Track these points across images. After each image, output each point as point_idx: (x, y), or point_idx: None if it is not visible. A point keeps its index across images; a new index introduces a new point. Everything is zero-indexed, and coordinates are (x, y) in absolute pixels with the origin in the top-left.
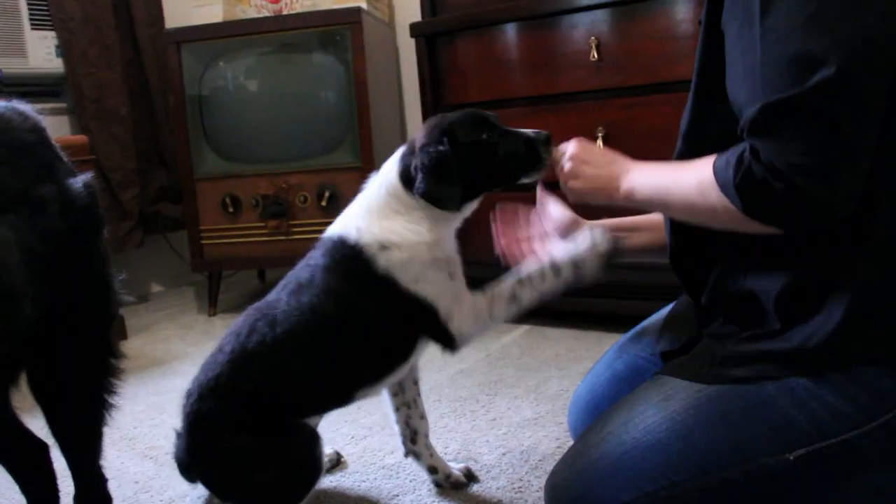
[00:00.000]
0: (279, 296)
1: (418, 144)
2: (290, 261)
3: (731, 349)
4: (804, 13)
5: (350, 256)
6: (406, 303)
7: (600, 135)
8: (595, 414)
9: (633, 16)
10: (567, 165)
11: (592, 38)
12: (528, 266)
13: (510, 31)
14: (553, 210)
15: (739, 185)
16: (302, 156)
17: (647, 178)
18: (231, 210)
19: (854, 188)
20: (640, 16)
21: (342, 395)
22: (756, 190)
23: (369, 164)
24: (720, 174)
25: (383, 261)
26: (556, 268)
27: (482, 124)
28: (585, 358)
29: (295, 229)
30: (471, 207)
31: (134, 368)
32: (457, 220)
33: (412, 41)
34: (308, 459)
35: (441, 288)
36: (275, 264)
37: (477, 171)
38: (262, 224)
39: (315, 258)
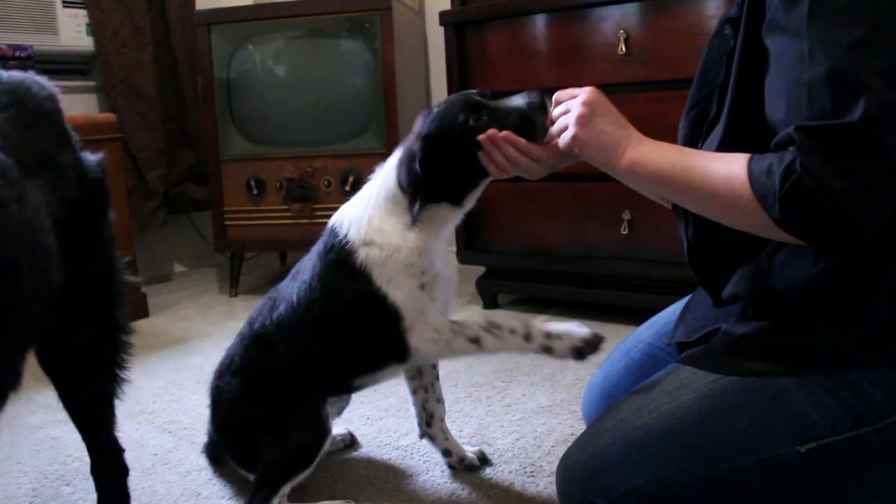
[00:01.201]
0: (286, 281)
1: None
2: (312, 244)
3: (750, 343)
4: (853, 34)
5: (337, 247)
6: (376, 302)
7: None
8: (609, 401)
9: (661, 10)
10: (580, 110)
11: (621, 31)
12: (506, 318)
13: (539, 21)
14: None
15: (784, 197)
16: (327, 140)
17: (662, 154)
18: (255, 192)
19: (887, 214)
20: (668, 10)
21: (339, 381)
22: (801, 205)
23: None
24: (758, 180)
25: (363, 256)
26: (528, 334)
27: (467, 109)
28: (604, 350)
29: (318, 213)
30: (471, 201)
31: (155, 345)
32: (452, 220)
33: (441, 29)
34: (312, 423)
35: (409, 296)
36: (297, 247)
37: (466, 159)
38: (286, 207)
39: (316, 245)
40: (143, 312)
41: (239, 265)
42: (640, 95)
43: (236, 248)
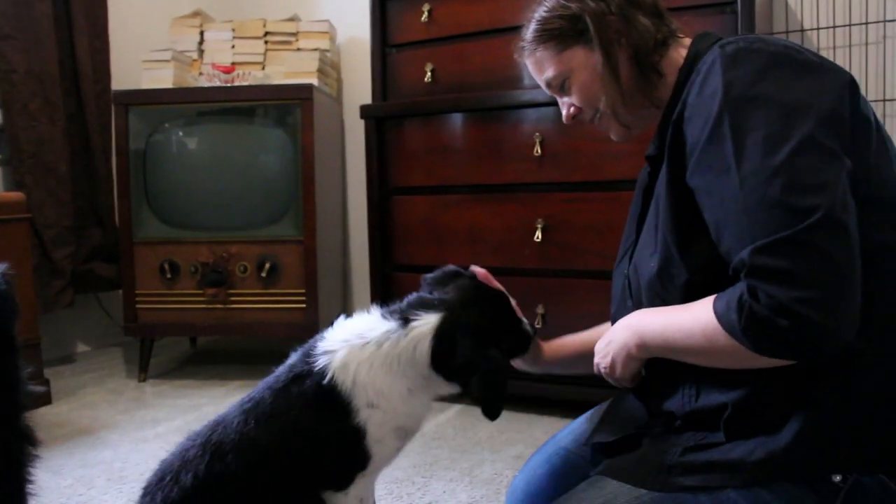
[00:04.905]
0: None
1: (469, 325)
2: (226, 329)
3: (678, 459)
4: (776, 159)
5: (337, 405)
6: (358, 451)
7: (539, 226)
8: None
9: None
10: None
11: (537, 133)
12: None
13: (457, 120)
14: None
15: (745, 328)
16: (244, 226)
17: (650, 338)
18: (169, 276)
19: (853, 314)
20: None
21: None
22: (762, 329)
23: (311, 239)
24: (723, 319)
25: (363, 416)
26: None
27: (514, 312)
28: (518, 441)
29: (233, 298)
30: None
31: (59, 437)
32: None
33: (358, 113)
34: None
35: (386, 455)
36: (210, 332)
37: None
38: (200, 291)
39: (295, 387)
40: (45, 399)
41: (149, 350)
42: (552, 195)
43: (147, 332)
